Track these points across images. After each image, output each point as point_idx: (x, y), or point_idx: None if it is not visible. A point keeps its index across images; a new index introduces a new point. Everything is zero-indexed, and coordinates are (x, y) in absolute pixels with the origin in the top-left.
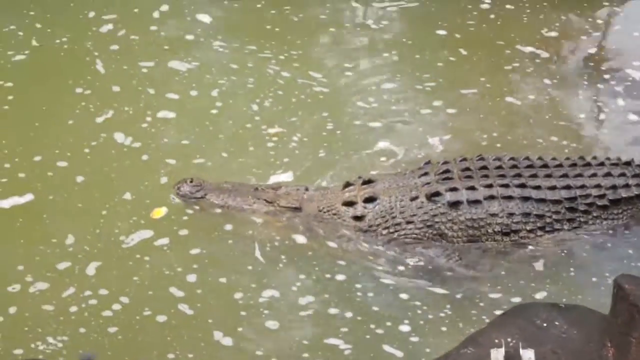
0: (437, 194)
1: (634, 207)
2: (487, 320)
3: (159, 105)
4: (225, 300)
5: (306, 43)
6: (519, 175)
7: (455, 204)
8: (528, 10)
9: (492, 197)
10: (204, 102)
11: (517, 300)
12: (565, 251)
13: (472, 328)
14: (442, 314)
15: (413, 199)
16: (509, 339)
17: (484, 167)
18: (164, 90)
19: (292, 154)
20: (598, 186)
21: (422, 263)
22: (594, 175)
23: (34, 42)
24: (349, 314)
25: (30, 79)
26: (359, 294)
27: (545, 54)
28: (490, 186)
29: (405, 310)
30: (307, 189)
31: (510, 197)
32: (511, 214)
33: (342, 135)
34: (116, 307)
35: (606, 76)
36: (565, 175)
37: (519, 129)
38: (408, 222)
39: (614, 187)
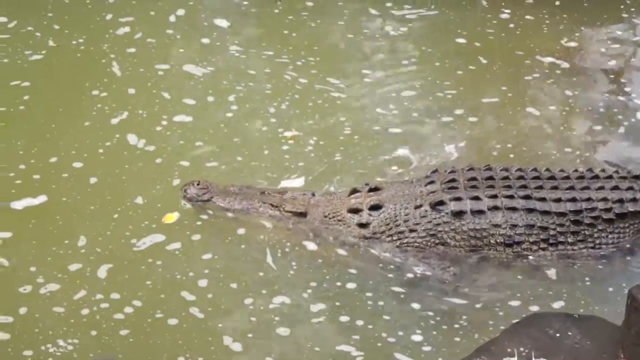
0: (441, 203)
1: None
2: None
3: (175, 109)
4: (236, 305)
5: (324, 49)
6: (524, 187)
7: (458, 214)
8: (547, 21)
9: (496, 208)
10: (220, 106)
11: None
12: (572, 263)
13: (487, 337)
14: (455, 325)
15: (417, 207)
16: (522, 349)
17: (491, 178)
18: (180, 94)
19: (307, 158)
20: (604, 199)
21: (429, 273)
22: (601, 188)
23: (51, 43)
24: (360, 322)
25: (46, 79)
26: (369, 302)
27: (565, 64)
28: (494, 197)
29: (417, 320)
30: (313, 195)
31: (514, 209)
32: (514, 225)
33: (359, 140)
34: (128, 310)
35: (627, 89)
36: (571, 188)
37: (535, 140)
38: (411, 231)
39: (620, 201)
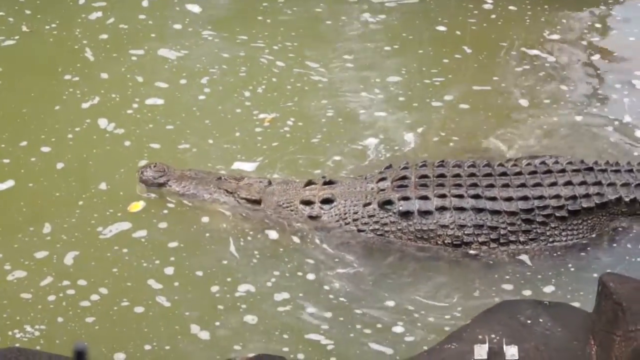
0: (389, 202)
1: (595, 217)
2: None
3: (147, 92)
4: (202, 294)
5: (301, 35)
6: (475, 185)
7: (406, 214)
8: (529, 12)
9: (444, 208)
10: (193, 89)
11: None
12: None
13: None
14: (421, 315)
15: (366, 205)
16: (493, 335)
17: (442, 175)
18: (153, 79)
19: (282, 140)
20: (557, 196)
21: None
22: (554, 184)
23: (24, 28)
24: (328, 314)
25: (19, 64)
26: (331, 295)
27: (551, 58)
28: (443, 196)
29: (385, 312)
30: (269, 182)
31: (462, 209)
32: (463, 226)
33: (343, 123)
34: (94, 297)
35: (610, 82)
36: (523, 185)
37: (524, 130)
38: (360, 231)
39: (573, 198)
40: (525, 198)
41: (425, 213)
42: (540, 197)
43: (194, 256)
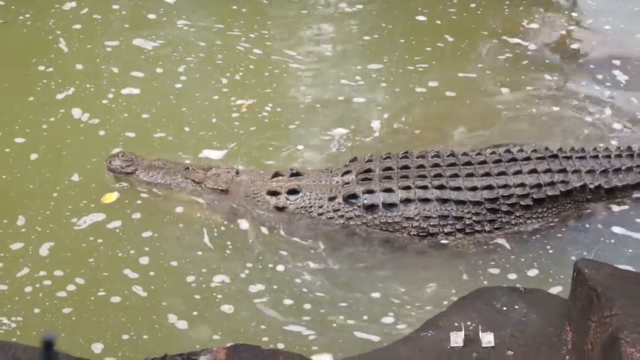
0: (354, 196)
1: (560, 204)
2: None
3: (123, 82)
4: (178, 284)
5: (277, 24)
6: (439, 175)
7: (370, 207)
8: (508, 2)
9: (408, 200)
10: (169, 78)
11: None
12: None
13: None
14: (396, 304)
15: (331, 199)
16: (469, 322)
17: (406, 167)
18: (129, 68)
19: (260, 126)
20: (522, 185)
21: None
22: (519, 172)
23: None
24: (306, 305)
25: None
26: (304, 289)
27: (532, 46)
28: (408, 188)
29: (363, 302)
30: (237, 173)
31: (427, 200)
32: (428, 217)
33: (322, 109)
34: (70, 287)
35: (589, 70)
36: (487, 174)
37: (506, 116)
38: (325, 224)
39: (538, 186)
40: (489, 187)
41: (389, 206)
42: (505, 186)
43: (168, 246)
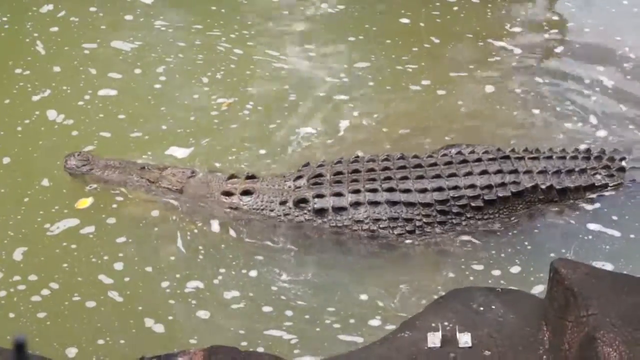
0: (304, 200)
1: (511, 205)
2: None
3: (100, 84)
4: (153, 289)
5: (258, 24)
6: (389, 178)
7: (320, 211)
8: (490, 5)
9: (358, 204)
10: (148, 78)
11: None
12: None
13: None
14: (379, 307)
15: (282, 203)
16: (446, 323)
17: (356, 171)
18: (107, 70)
19: (241, 124)
20: (472, 186)
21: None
22: (469, 173)
23: None
24: (289, 313)
25: None
26: (284, 297)
27: (517, 50)
28: (357, 192)
29: (346, 305)
30: (193, 173)
31: (377, 203)
32: (377, 220)
33: (304, 108)
34: (45, 292)
35: (574, 73)
36: (438, 176)
37: (492, 117)
38: (275, 226)
39: (489, 187)
40: (440, 189)
41: (339, 209)
42: (455, 188)
43: (142, 251)
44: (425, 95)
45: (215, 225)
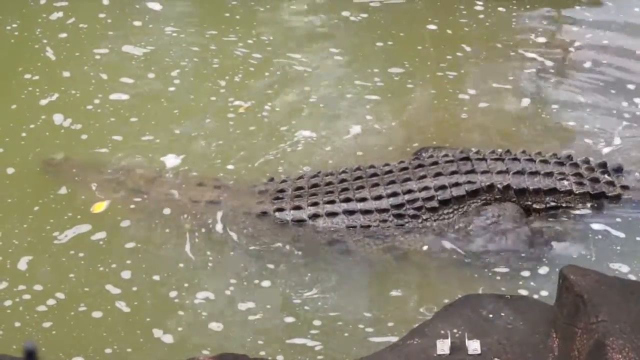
0: (265, 213)
1: (466, 205)
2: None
3: (112, 88)
4: (161, 299)
5: (278, 30)
6: (346, 189)
7: (281, 224)
8: (514, 14)
9: (316, 216)
10: (161, 82)
11: None
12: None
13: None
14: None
15: (245, 213)
16: (455, 330)
17: (315, 185)
18: (118, 74)
19: (259, 125)
20: (426, 188)
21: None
22: (423, 177)
23: None
24: (317, 322)
25: None
26: (302, 306)
27: (548, 62)
28: (316, 204)
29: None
30: (160, 174)
31: (334, 214)
32: (335, 230)
33: (325, 110)
34: (51, 302)
35: (607, 87)
36: (393, 182)
37: (533, 126)
38: (240, 236)
39: (443, 187)
40: (394, 194)
41: (299, 221)
42: (410, 192)
43: (150, 258)
44: (470, 104)
45: (220, 229)
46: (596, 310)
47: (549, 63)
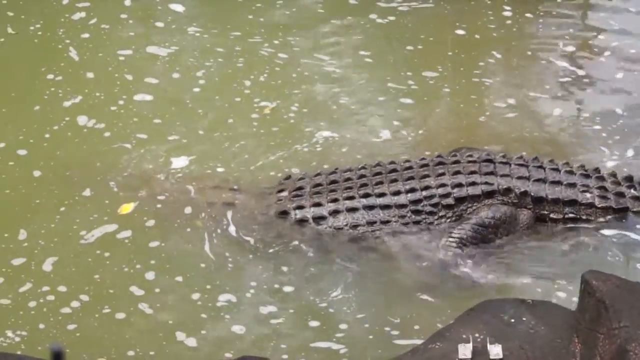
0: (285, 212)
1: (481, 205)
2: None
3: (136, 89)
4: (184, 301)
5: (304, 32)
6: (365, 185)
7: (300, 222)
8: (541, 20)
9: (337, 212)
10: (186, 82)
11: None
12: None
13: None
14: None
15: (263, 214)
16: (477, 335)
17: (334, 182)
18: (143, 75)
19: (283, 125)
20: (443, 185)
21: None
22: (442, 174)
23: (10, 30)
24: (343, 325)
25: (3, 66)
26: (331, 309)
27: (581, 72)
28: (335, 200)
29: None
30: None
31: (355, 209)
32: (356, 225)
33: (356, 110)
34: (75, 304)
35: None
36: (411, 178)
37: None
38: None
39: (459, 185)
40: (412, 190)
41: (319, 219)
42: (427, 188)
43: (173, 258)
44: (504, 112)
45: (238, 230)
46: (618, 316)
47: (580, 72)
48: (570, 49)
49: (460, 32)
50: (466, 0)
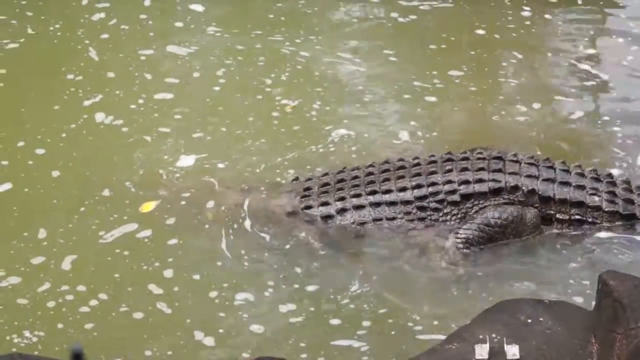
0: (294, 212)
1: (487, 202)
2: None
3: (157, 88)
4: (202, 300)
5: (326, 30)
6: (372, 182)
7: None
8: (560, 22)
9: (344, 210)
10: (207, 81)
11: None
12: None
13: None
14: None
15: (274, 213)
16: (494, 335)
17: (341, 180)
18: (164, 75)
19: (304, 124)
20: (449, 182)
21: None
22: (449, 171)
23: (30, 30)
24: (366, 323)
25: (22, 66)
26: (351, 305)
27: (604, 75)
28: (343, 199)
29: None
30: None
31: (361, 206)
32: (363, 223)
33: (380, 110)
34: (93, 303)
35: None
36: (418, 174)
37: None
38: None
39: (466, 182)
40: (418, 186)
41: (327, 217)
42: (433, 184)
43: (189, 255)
44: (526, 114)
45: (251, 229)
46: (636, 316)
47: (603, 75)
48: (591, 51)
49: (480, 32)
50: (485, 0)
